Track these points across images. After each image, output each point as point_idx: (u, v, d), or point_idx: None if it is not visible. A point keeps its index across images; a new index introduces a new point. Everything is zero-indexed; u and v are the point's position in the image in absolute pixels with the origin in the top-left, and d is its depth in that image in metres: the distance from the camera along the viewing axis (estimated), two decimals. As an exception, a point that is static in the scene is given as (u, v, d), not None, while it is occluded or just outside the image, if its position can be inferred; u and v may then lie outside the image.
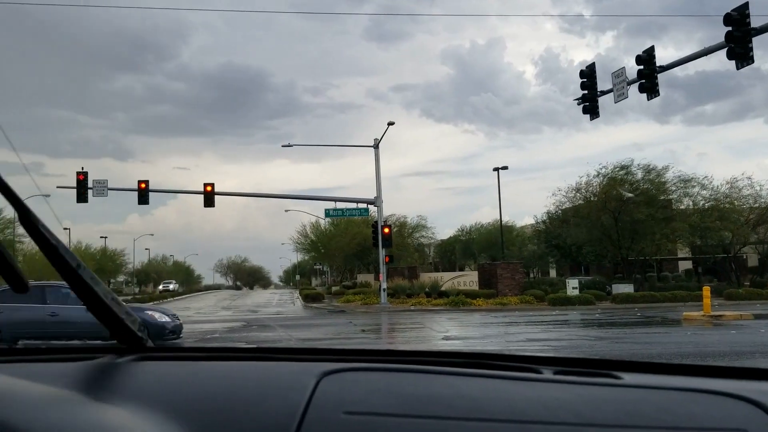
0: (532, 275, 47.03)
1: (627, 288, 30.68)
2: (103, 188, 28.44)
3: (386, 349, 1.30)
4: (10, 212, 42.52)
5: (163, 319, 13.33)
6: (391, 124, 31.57)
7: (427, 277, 37.03)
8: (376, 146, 32.07)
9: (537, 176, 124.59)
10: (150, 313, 13.41)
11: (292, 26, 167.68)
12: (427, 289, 33.18)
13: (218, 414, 0.77)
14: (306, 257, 72.63)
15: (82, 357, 1.11)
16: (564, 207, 37.93)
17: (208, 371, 0.98)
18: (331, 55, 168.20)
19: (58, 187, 29.49)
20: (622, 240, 33.95)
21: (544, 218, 43.33)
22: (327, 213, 33.81)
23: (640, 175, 34.08)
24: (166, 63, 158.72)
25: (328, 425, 0.73)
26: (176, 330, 13.60)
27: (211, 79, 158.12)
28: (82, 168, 27.76)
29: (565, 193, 36.87)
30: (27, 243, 47.64)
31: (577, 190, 35.82)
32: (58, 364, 1.09)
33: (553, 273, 48.80)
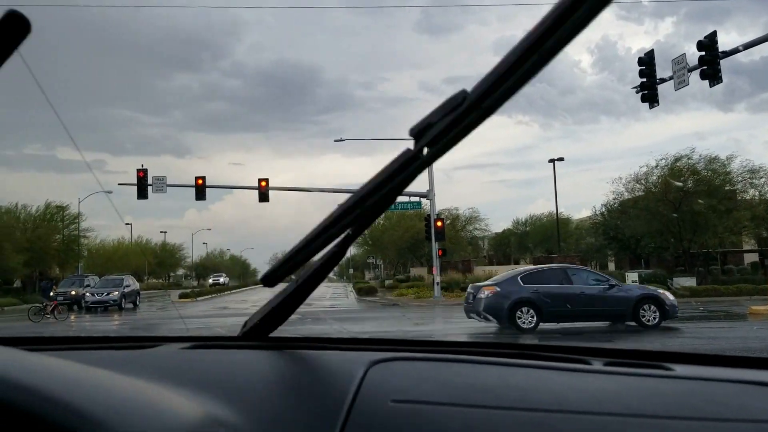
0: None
1: (689, 281, 29.71)
2: (162, 185, 29.22)
3: (433, 339, 1.29)
4: (75, 209, 44.02)
5: None
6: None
7: (481, 271, 36.78)
8: (428, 139, 31.93)
9: (594, 167, 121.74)
10: None
11: (343, 21, 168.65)
12: (481, 283, 32.91)
13: (269, 401, 0.79)
14: (359, 251, 73.03)
15: (143, 345, 1.17)
16: (623, 198, 36.99)
17: (260, 359, 1.01)
18: (382, 49, 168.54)
19: (119, 184, 30.45)
20: (684, 232, 32.89)
21: (602, 210, 42.40)
22: (380, 207, 33.84)
23: (702, 165, 32.93)
24: (221, 61, 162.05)
25: (376, 413, 0.75)
26: None
27: (264, 76, 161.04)
28: (142, 165, 28.62)
29: (623, 184, 35.95)
30: (91, 238, 49.41)
31: (637, 180, 34.86)
32: (121, 351, 1.15)
33: (611, 266, 47.70)
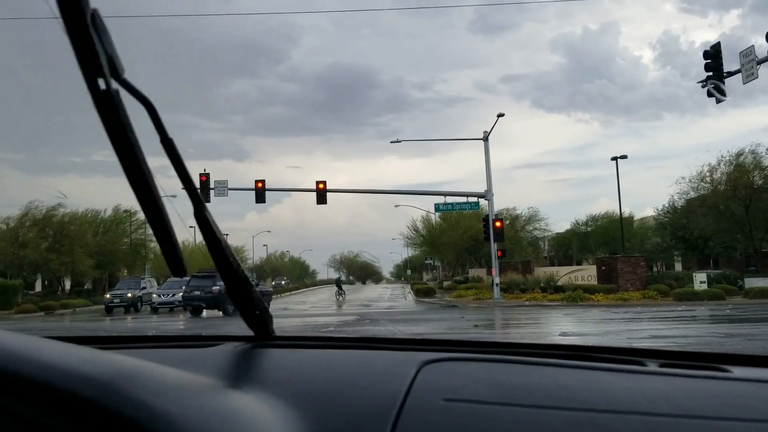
0: (655, 269, 44.68)
1: (762, 282, 28.40)
2: (223, 188, 29.93)
3: (486, 340, 1.31)
4: (141, 213, 45.50)
5: None
6: (500, 115, 31.06)
7: (542, 272, 36.18)
8: (485, 139, 31.68)
9: (658, 165, 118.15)
10: None
11: (398, 23, 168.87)
12: (542, 284, 32.41)
13: (325, 399, 0.80)
14: (417, 252, 72.88)
15: (207, 344, 1.21)
16: (689, 196, 35.75)
17: (317, 358, 1.04)
18: (438, 50, 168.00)
19: (182, 188, 31.30)
20: (755, 230, 31.54)
21: (667, 209, 41.07)
22: (437, 208, 33.78)
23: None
24: (278, 66, 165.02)
25: (428, 411, 0.76)
26: None
27: (320, 79, 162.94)
28: (204, 169, 29.36)
29: (689, 182, 34.74)
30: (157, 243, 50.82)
31: (702, 179, 33.62)
32: (184, 350, 1.19)
33: (678, 266, 46.16)
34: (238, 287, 1.08)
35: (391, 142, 34.60)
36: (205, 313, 26.60)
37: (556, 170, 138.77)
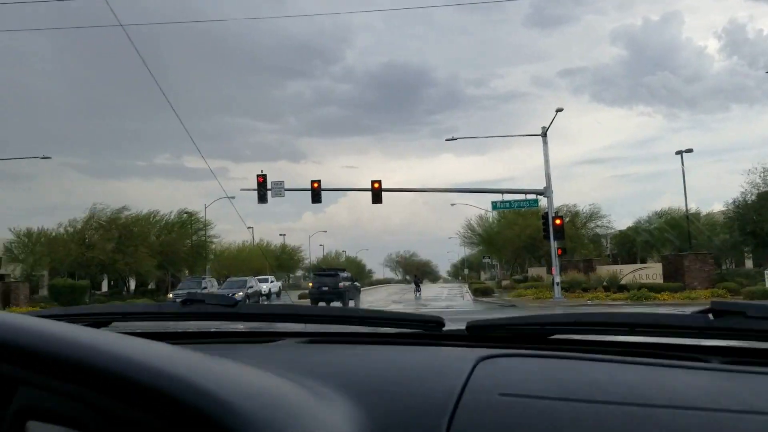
0: (724, 267, 42.90)
1: (840, 280, 26.90)
2: (280, 189, 30.31)
3: (542, 336, 1.29)
4: (202, 214, 46.48)
5: None
6: (559, 110, 30.40)
7: (604, 270, 35.23)
8: (543, 134, 31.06)
9: (726, 158, 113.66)
10: None
11: (451, 19, 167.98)
12: (605, 283, 31.57)
13: (383, 393, 0.82)
14: (473, 251, 72.27)
15: (265, 340, 1.25)
16: (760, 190, 34.12)
17: (374, 354, 1.07)
18: (493, 45, 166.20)
19: (241, 189, 31.95)
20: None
21: (739, 203, 39.39)
22: (494, 206, 33.31)
23: None
24: (332, 66, 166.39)
25: (484, 405, 0.77)
26: None
27: (374, 79, 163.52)
28: (261, 171, 29.81)
29: (760, 175, 33.15)
30: (217, 242, 52.02)
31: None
32: (246, 345, 1.24)
33: (749, 263, 44.21)
34: None
35: (447, 140, 34.26)
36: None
37: (617, 165, 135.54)
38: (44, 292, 36.98)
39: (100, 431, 0.63)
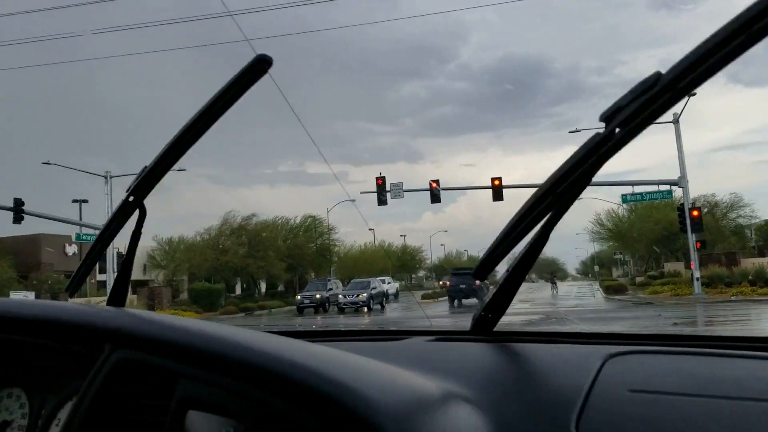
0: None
1: None
2: (399, 190, 30.44)
3: (672, 333, 1.24)
4: (325, 217, 47.77)
5: None
6: (691, 95, 28.20)
7: (749, 263, 32.37)
8: (675, 121, 29.00)
9: None
10: None
11: (570, 7, 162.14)
12: (750, 277, 28.98)
13: (513, 388, 0.83)
14: (604, 247, 69.06)
15: (395, 338, 1.30)
16: None
17: (503, 351, 1.07)
18: (615, 31, 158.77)
19: (361, 192, 32.42)
20: None
21: None
22: (624, 199, 31.52)
23: None
24: (447, 65, 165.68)
25: (613, 401, 0.76)
26: None
27: (490, 74, 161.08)
28: (380, 173, 30.12)
29: None
30: (340, 245, 53.26)
31: None
32: (376, 342, 1.31)
33: None
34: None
35: (570, 132, 32.92)
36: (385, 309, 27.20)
37: (760, 151, 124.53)
38: (184, 295, 39.45)
39: (251, 420, 0.69)
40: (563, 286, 62.67)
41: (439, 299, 38.08)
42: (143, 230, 1.17)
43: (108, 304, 1.13)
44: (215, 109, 1.02)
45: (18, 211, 24.68)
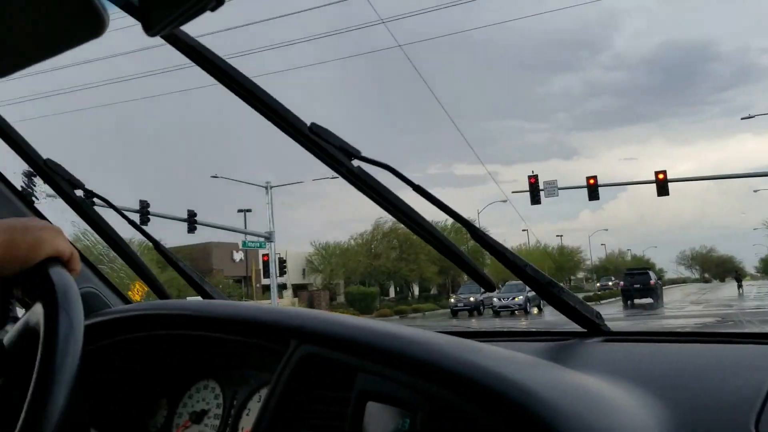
0: None
1: None
2: (553, 188, 29.39)
3: None
4: (473, 219, 47.42)
5: None
6: None
7: None
8: None
9: None
10: None
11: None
12: None
13: (686, 389, 0.81)
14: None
15: (552, 338, 1.28)
16: None
17: (671, 351, 1.06)
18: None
19: (513, 192, 31.66)
20: None
21: None
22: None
23: None
24: (600, 55, 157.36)
25: None
26: None
27: (648, 62, 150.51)
28: (532, 171, 29.25)
29: None
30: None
31: None
32: (533, 342, 1.28)
33: None
34: (546, 291, 1.18)
35: (742, 119, 29.97)
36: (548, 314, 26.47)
37: None
38: (341, 298, 40.80)
39: (427, 413, 0.72)
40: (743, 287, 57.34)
41: (601, 302, 36.23)
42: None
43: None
44: None
45: (191, 221, 26.69)
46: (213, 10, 0.68)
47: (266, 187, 31.88)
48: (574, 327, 1.34)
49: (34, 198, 1.35)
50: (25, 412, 0.65)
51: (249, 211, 35.71)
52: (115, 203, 1.38)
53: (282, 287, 35.47)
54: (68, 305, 0.73)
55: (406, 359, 0.76)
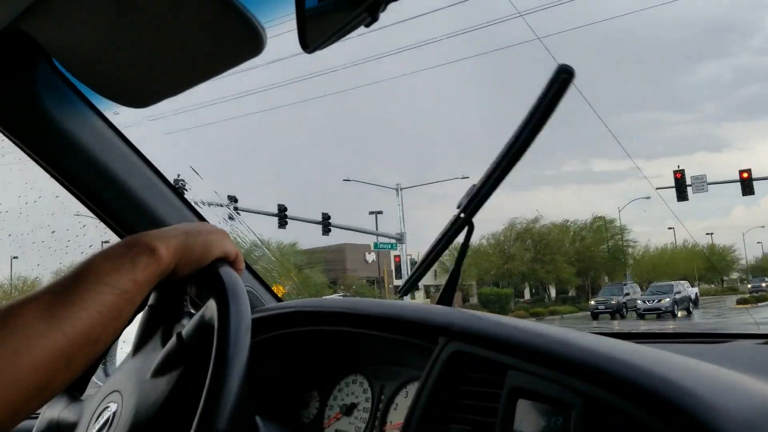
0: None
1: None
2: (702, 184, 27.49)
3: None
4: (613, 217, 45.31)
5: None
6: None
7: None
8: None
9: None
10: None
11: None
12: None
13: None
14: None
15: (717, 341, 1.25)
16: None
17: None
18: None
19: (657, 188, 29.86)
20: None
21: None
22: None
23: None
24: (751, 39, 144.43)
25: None
26: None
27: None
28: (678, 166, 27.48)
29: None
30: (636, 246, 49.85)
31: None
32: (698, 345, 1.27)
33: None
34: None
35: None
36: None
37: None
38: (474, 299, 40.49)
39: (581, 412, 0.71)
40: None
41: (759, 304, 33.23)
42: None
43: (438, 303, 1.21)
44: (530, 125, 1.09)
45: (325, 224, 27.69)
46: (368, 26, 0.69)
47: (396, 189, 32.38)
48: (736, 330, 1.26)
49: (197, 205, 1.47)
50: (204, 397, 0.71)
51: (380, 213, 36.44)
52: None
53: (414, 288, 35.79)
54: (237, 302, 0.79)
55: (563, 359, 0.76)
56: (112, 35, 1.03)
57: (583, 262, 42.74)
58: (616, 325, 26.23)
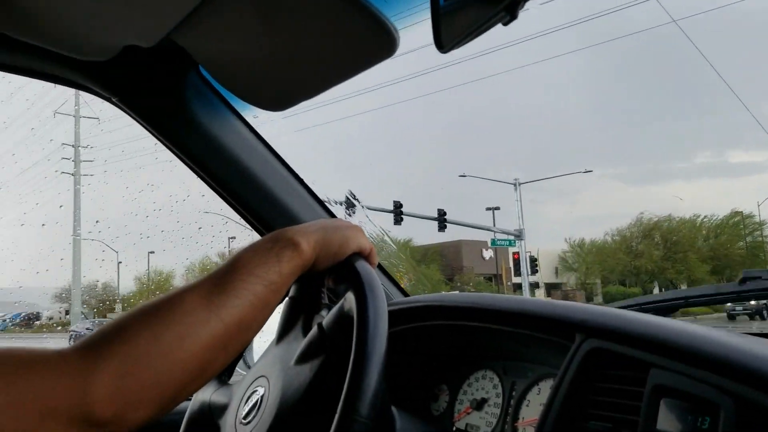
0: None
1: None
2: None
3: None
4: (752, 211, 42.01)
5: None
6: None
7: None
8: None
9: None
10: None
11: None
12: None
13: None
14: None
15: None
16: None
17: None
18: None
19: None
20: None
21: None
22: None
23: None
24: None
25: None
26: None
27: None
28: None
29: None
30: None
31: None
32: None
33: None
34: None
35: None
36: None
37: None
38: (598, 299, 38.89)
39: (731, 413, 0.70)
40: None
41: None
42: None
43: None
44: None
45: (441, 220, 27.57)
46: (506, 24, 0.67)
47: (515, 185, 31.73)
48: None
49: (328, 204, 1.53)
50: (347, 385, 0.74)
51: (497, 209, 35.84)
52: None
53: (534, 286, 35.00)
54: (374, 294, 0.81)
55: (712, 357, 0.75)
56: (255, 44, 1.09)
57: (719, 260, 39.87)
58: (754, 328, 24.39)
